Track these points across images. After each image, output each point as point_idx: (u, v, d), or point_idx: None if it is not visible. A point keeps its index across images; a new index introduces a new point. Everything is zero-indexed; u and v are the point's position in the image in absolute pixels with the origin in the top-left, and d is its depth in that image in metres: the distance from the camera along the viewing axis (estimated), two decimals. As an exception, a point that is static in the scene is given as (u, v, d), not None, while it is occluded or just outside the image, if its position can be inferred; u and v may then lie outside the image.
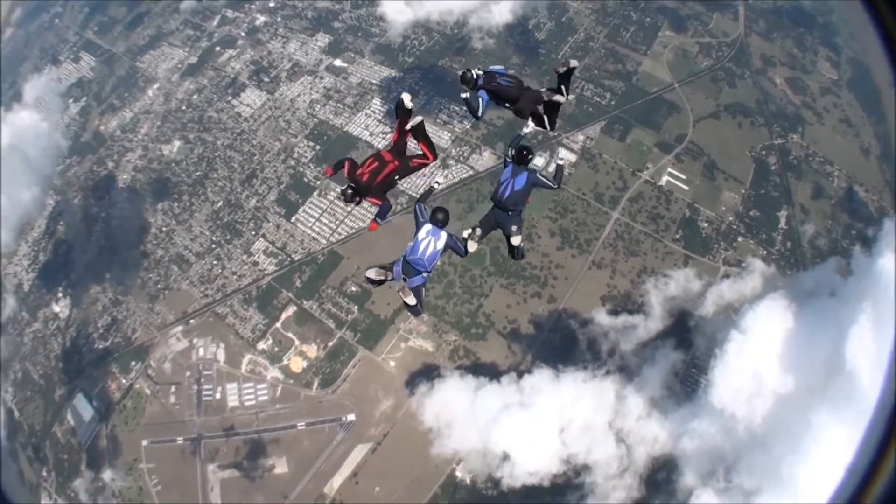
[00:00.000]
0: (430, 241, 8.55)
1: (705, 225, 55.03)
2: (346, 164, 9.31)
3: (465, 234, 9.07)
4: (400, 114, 9.28)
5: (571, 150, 57.37)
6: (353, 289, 52.33)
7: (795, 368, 46.16)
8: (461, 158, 57.99)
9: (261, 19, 71.00)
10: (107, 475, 47.45)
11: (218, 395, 49.92)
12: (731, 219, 55.35)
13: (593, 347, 51.05)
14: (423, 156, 9.40)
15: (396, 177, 9.30)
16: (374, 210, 9.48)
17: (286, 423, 48.82)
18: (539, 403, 48.11)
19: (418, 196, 9.41)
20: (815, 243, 54.65)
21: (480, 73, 9.48)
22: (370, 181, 9.05)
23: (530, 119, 9.54)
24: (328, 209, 55.99)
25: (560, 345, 50.84)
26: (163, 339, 52.64)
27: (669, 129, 59.76)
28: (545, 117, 9.41)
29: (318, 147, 60.69)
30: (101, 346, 53.02)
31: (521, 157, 9.11)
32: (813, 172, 58.45)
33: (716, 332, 50.61)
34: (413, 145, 9.55)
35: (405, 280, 8.68)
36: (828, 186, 57.50)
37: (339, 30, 69.17)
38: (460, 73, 9.33)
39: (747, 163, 58.58)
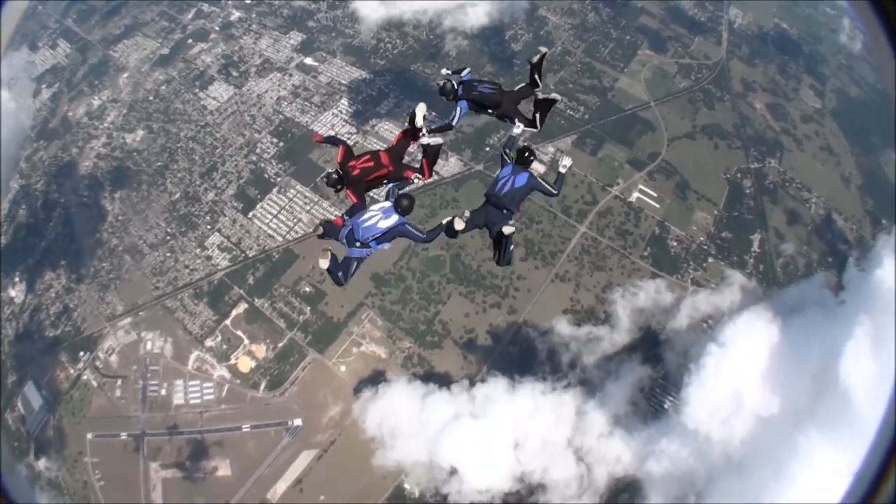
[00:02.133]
0: (377, 217, 7.97)
1: (675, 244, 54.06)
2: (341, 148, 8.88)
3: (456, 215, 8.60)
4: (410, 124, 9.09)
5: (541, 161, 56.30)
6: (307, 289, 50.75)
7: (781, 387, 44.18)
8: (425, 164, 56.59)
9: (235, 14, 70.81)
10: (41, 463, 45.72)
11: (163, 392, 48.27)
12: (702, 239, 54.46)
13: (553, 358, 49.10)
14: (420, 170, 9.12)
15: (385, 181, 8.98)
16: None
17: (231, 424, 47.03)
18: (492, 415, 45.84)
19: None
20: (788, 269, 53.63)
21: (458, 83, 9.35)
22: (360, 177, 8.69)
23: (517, 120, 9.43)
24: (287, 206, 54.71)
25: (519, 357, 49.23)
26: (112, 330, 50.92)
27: (643, 146, 59.17)
28: (536, 115, 9.29)
29: (281, 144, 59.65)
30: (51, 334, 51.37)
31: (523, 157, 8.83)
32: (789, 198, 57.90)
33: (689, 346, 48.86)
34: (410, 157, 9.37)
35: (345, 245, 8.14)
36: (804, 213, 56.81)
37: (313, 29, 68.92)
38: (440, 83, 9.16)
39: (721, 184, 57.93)
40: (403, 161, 9.18)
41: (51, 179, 60.56)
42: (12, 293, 54.01)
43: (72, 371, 49.23)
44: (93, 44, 69.59)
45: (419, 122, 8.91)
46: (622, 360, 48.79)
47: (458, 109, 9.31)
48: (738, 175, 58.78)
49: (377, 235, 7.96)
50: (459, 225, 8.26)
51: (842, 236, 56.13)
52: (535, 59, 9.31)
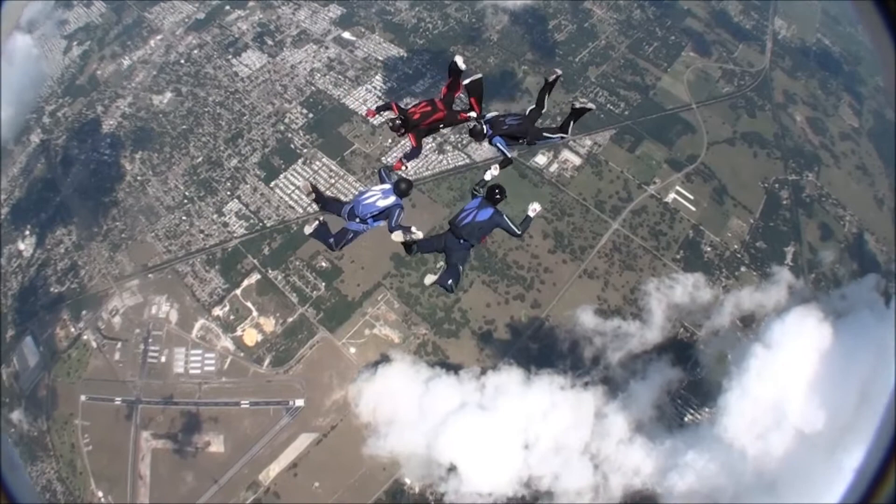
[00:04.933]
0: (377, 196, 8.58)
1: (708, 249, 51.95)
2: (394, 105, 9.72)
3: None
4: (452, 73, 9.60)
5: (577, 153, 55.09)
6: (324, 264, 48.90)
7: (828, 399, 40.35)
8: (459, 146, 55.24)
9: (276, -17, 70.12)
10: (15, 415, 44.90)
11: (163, 359, 46.77)
12: (736, 247, 52.35)
13: (576, 351, 45.92)
14: (470, 109, 9.68)
15: (441, 125, 9.75)
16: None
17: (229, 398, 45.34)
18: (502, 408, 42.58)
19: (384, 165, 9.25)
20: (821, 285, 51.28)
21: (485, 122, 9.79)
22: (420, 120, 9.42)
23: (546, 134, 9.96)
24: (311, 178, 52.87)
25: (538, 354, 46.58)
26: (118, 290, 49.51)
27: (682, 147, 57.30)
28: (570, 122, 9.88)
29: (310, 115, 58.30)
30: (56, 290, 50.24)
31: (492, 194, 8.90)
32: (824, 213, 55.74)
33: (726, 348, 45.67)
34: (460, 102, 9.95)
35: (345, 219, 8.74)
36: (838, 230, 54.83)
37: (354, 3, 67.91)
38: (470, 127, 9.62)
39: (759, 193, 55.88)
40: (453, 108, 9.72)
41: (72, 136, 59.83)
42: (21, 246, 53.14)
43: (72, 329, 48.12)
44: (128, 4, 69.27)
45: (461, 65, 9.35)
46: (650, 359, 45.56)
47: (502, 146, 9.62)
48: (776, 185, 56.76)
49: (375, 213, 8.46)
50: (418, 235, 8.45)
51: (872, 257, 53.58)
52: (551, 78, 9.72)
